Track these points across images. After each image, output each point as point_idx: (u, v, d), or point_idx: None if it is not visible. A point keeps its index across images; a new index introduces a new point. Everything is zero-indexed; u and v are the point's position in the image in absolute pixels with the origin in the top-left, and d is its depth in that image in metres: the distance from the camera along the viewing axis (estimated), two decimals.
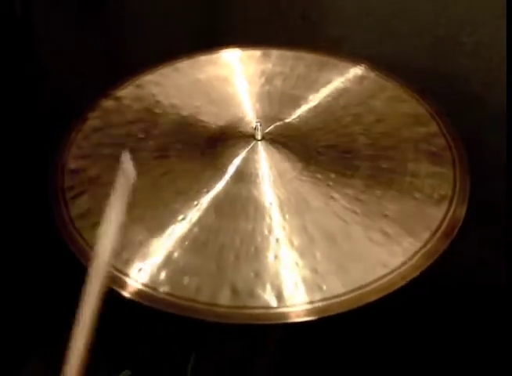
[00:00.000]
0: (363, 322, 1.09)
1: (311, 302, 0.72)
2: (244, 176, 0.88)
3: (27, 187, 1.22)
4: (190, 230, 0.80)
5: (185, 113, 0.99)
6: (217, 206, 0.83)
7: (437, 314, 1.21)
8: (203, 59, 1.09)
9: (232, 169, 0.88)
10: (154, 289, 0.75)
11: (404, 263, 0.75)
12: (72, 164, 0.91)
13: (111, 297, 0.73)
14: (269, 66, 1.07)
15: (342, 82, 1.03)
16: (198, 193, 0.85)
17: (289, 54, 1.09)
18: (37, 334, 1.14)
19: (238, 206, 0.83)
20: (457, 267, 1.15)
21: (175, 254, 0.77)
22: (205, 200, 0.84)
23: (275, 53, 1.09)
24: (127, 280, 0.76)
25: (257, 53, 1.10)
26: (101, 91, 1.02)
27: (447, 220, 0.81)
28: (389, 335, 1.20)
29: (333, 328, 1.12)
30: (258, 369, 1.08)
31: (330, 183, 0.86)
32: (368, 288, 0.73)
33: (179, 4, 1.38)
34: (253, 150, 0.90)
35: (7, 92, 1.22)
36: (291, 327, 0.71)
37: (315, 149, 0.92)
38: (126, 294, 0.75)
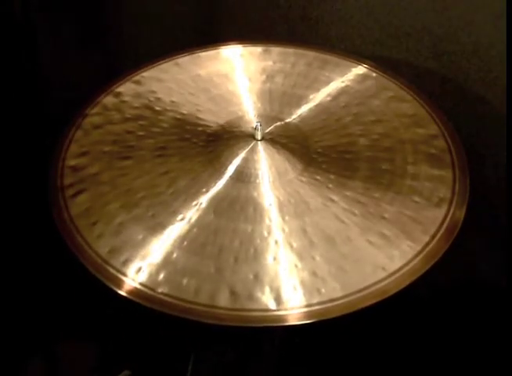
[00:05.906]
0: (362, 325, 1.10)
1: (309, 305, 0.72)
2: (244, 176, 0.87)
3: (27, 185, 1.22)
4: (189, 230, 0.80)
5: (185, 111, 0.99)
6: (216, 206, 0.83)
7: (437, 315, 1.21)
8: (204, 55, 1.09)
9: (231, 169, 0.88)
10: (152, 289, 0.74)
11: (403, 267, 0.75)
12: (71, 162, 0.90)
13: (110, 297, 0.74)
14: (270, 63, 1.07)
15: (343, 81, 1.03)
16: (197, 193, 0.84)
17: (290, 51, 1.09)
18: (37, 334, 1.14)
19: (237, 206, 0.83)
20: (457, 268, 1.15)
21: (174, 255, 0.77)
22: (204, 200, 0.83)
23: (275, 50, 1.09)
24: (125, 279, 0.76)
25: (257, 49, 1.10)
26: (101, 87, 1.02)
27: (446, 223, 0.80)
28: (388, 338, 1.20)
29: (331, 331, 1.12)
30: (256, 371, 1.08)
31: (330, 185, 0.86)
32: (366, 292, 0.73)
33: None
34: (253, 150, 0.90)
35: (6, 90, 1.22)
36: (289, 329, 0.71)
37: (315, 149, 0.91)
38: (124, 293, 0.75)
